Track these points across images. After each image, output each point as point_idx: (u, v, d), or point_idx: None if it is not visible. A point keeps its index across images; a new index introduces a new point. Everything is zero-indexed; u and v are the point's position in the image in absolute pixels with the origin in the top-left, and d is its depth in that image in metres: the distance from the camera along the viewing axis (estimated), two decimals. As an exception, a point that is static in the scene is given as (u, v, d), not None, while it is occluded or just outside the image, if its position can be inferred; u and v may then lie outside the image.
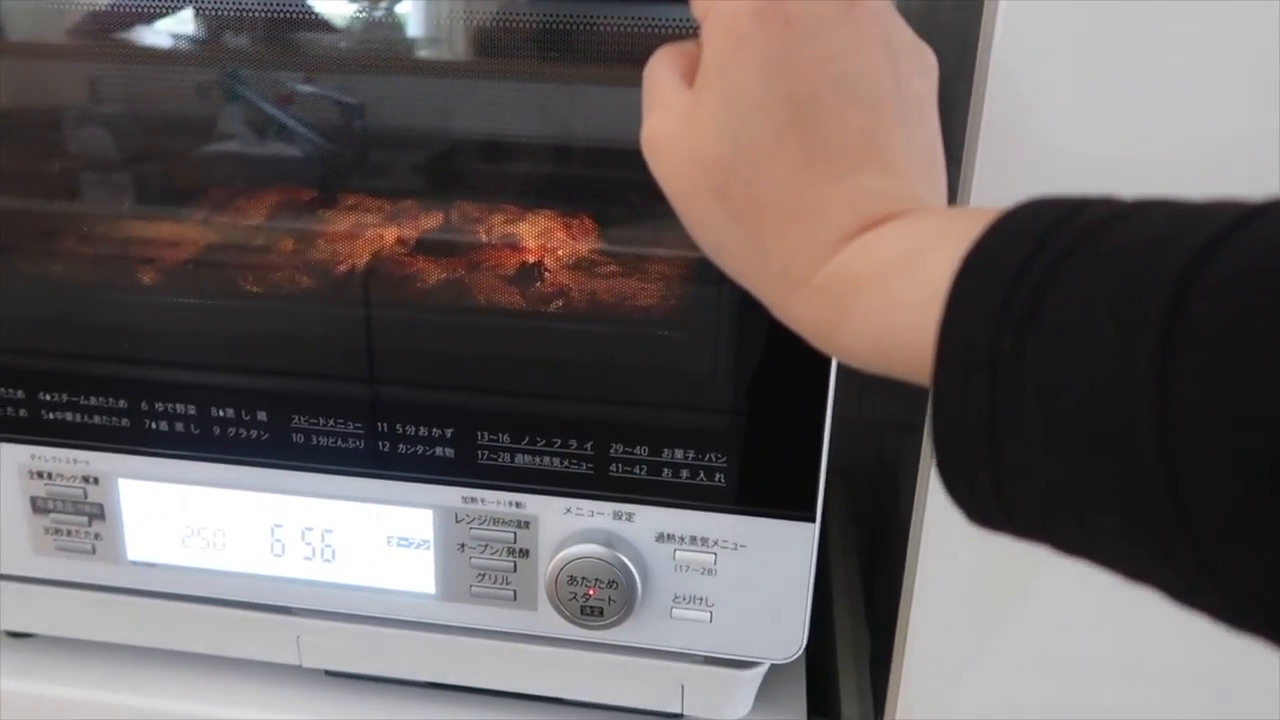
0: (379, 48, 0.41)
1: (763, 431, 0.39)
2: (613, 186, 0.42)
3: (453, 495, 0.42)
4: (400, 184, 0.44)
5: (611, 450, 0.40)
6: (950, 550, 0.41)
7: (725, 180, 0.26)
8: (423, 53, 0.41)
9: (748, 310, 0.38)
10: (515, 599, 0.42)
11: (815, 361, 0.38)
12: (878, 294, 0.23)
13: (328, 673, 0.49)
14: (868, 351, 0.24)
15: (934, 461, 0.22)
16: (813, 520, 0.40)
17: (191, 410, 0.42)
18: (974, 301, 0.20)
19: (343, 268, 0.43)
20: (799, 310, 0.26)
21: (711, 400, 0.40)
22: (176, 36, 0.41)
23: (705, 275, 0.41)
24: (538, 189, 0.44)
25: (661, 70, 0.29)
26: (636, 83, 0.39)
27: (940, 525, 0.40)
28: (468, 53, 0.41)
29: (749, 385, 0.39)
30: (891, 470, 0.62)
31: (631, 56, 0.37)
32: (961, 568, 0.41)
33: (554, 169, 0.44)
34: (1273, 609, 0.17)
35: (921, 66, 0.28)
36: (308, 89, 0.42)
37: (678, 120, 0.27)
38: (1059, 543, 0.21)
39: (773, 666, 0.45)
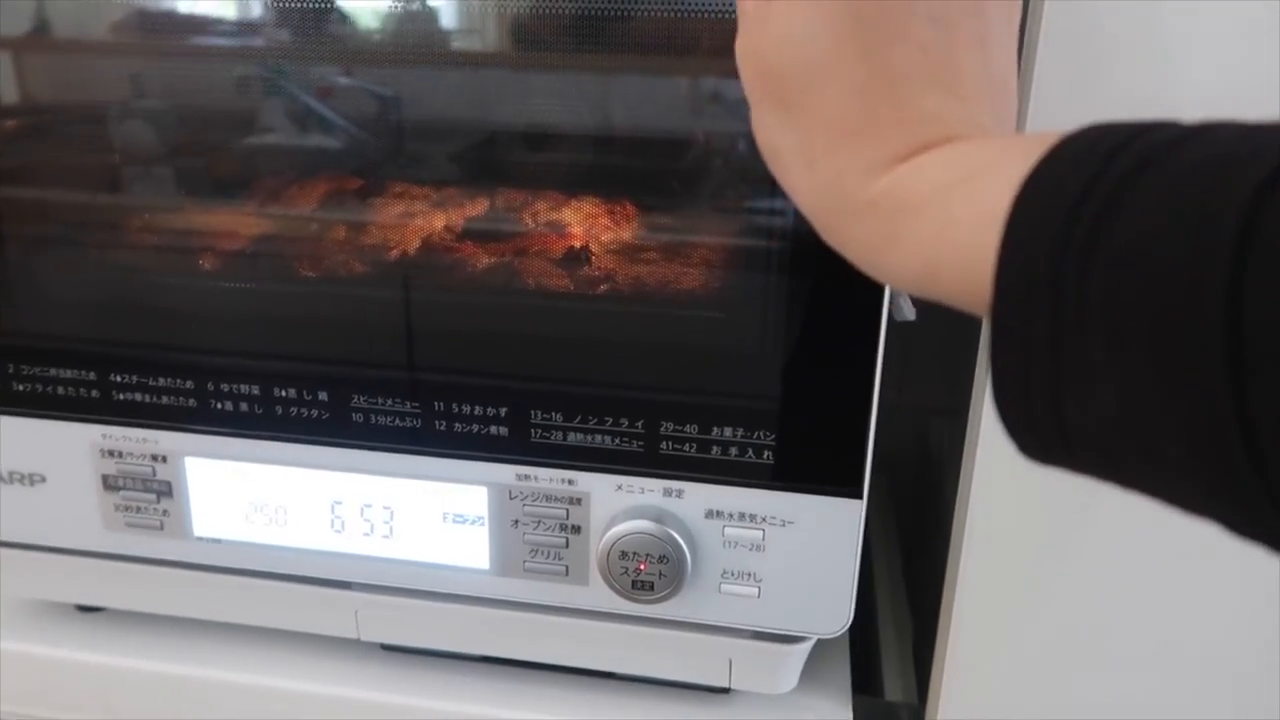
0: (416, 40, 0.42)
1: (810, 410, 0.40)
2: (653, 173, 0.43)
3: (507, 473, 0.43)
4: (441, 173, 0.45)
5: (661, 428, 0.41)
6: (994, 533, 0.41)
7: (782, 87, 0.26)
8: (458, 44, 0.42)
9: (795, 290, 0.39)
10: (567, 574, 0.44)
11: (862, 339, 0.38)
12: (933, 214, 0.23)
13: (385, 646, 0.50)
14: (918, 273, 0.24)
15: (990, 392, 0.22)
16: (860, 497, 0.40)
17: (255, 391, 0.44)
18: (1036, 222, 0.20)
19: (394, 253, 0.44)
20: (848, 230, 0.25)
21: (759, 379, 0.40)
22: (220, 32, 0.42)
23: (752, 257, 0.41)
24: (578, 177, 0.45)
25: None
26: (673, 71, 0.40)
27: (984, 507, 0.41)
28: (503, 43, 0.42)
29: (796, 364, 0.40)
30: (933, 454, 0.63)
31: (668, 45, 0.38)
32: (1005, 549, 0.42)
33: (594, 157, 0.45)
34: None
35: None
36: (346, 81, 0.43)
37: (749, 29, 0.27)
38: (1117, 475, 0.21)
39: (817, 644, 0.46)
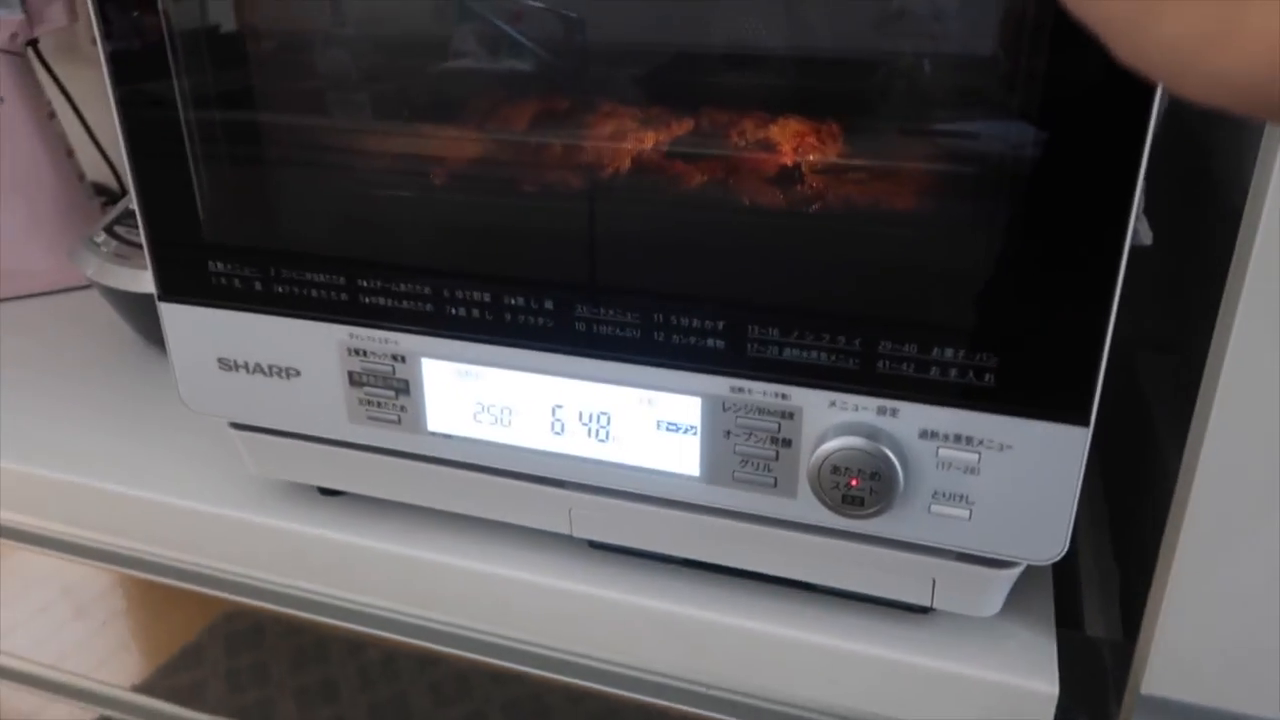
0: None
1: (1040, 333, 0.39)
2: (862, 94, 0.42)
3: (721, 385, 0.44)
4: (641, 93, 0.45)
5: (879, 347, 0.41)
6: (1225, 473, 0.39)
7: None
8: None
9: (1029, 208, 0.38)
10: (775, 485, 0.45)
11: (1104, 258, 0.37)
12: None
13: (592, 544, 0.53)
14: (1258, 72, 0.20)
15: None
16: (1086, 424, 0.39)
17: (486, 298, 0.47)
18: None
19: (607, 170, 0.46)
20: (1164, 24, 0.22)
21: (984, 300, 0.40)
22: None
23: (979, 177, 0.40)
24: (780, 98, 0.44)
25: None
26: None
27: (1219, 449, 0.39)
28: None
29: (1027, 285, 0.39)
30: (1141, 391, 0.60)
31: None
32: (1235, 490, 0.40)
33: (798, 79, 0.44)
34: None
35: None
36: (537, 4, 0.44)
37: None
38: None
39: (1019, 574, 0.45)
